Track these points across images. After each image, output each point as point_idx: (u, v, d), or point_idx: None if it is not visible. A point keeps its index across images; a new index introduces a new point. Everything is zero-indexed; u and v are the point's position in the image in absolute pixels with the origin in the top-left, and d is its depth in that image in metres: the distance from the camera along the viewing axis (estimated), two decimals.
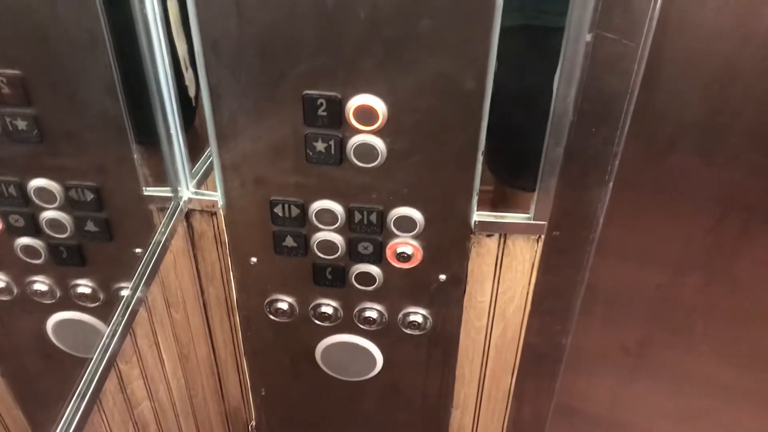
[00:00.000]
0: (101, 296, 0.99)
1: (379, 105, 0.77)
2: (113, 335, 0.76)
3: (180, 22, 0.82)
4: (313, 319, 1.01)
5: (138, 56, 0.80)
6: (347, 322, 1.01)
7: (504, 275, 0.94)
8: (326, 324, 1.01)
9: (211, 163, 0.93)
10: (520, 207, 0.89)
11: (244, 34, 0.74)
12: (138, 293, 0.81)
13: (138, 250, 0.93)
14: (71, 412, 0.67)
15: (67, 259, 0.94)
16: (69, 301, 0.99)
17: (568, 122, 0.78)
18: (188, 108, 0.89)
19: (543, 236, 0.89)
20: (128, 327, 0.82)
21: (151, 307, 0.93)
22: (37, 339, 1.05)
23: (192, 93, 0.88)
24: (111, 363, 0.75)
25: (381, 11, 0.70)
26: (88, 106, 0.80)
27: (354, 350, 1.05)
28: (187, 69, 0.85)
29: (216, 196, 0.90)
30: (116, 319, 0.78)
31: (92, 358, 0.73)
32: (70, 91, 0.79)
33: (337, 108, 0.78)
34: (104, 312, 0.99)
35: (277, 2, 0.71)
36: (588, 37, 0.72)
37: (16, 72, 0.76)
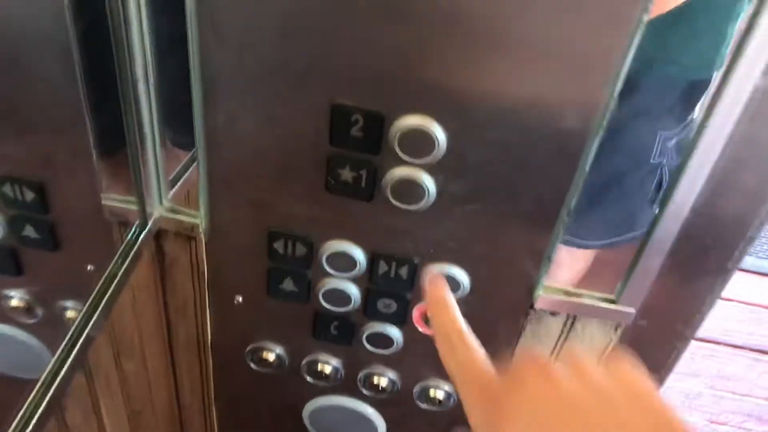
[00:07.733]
0: (40, 312, 0.79)
1: (436, 131, 0.54)
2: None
3: None
4: (305, 375, 0.79)
5: (103, 17, 0.56)
6: (348, 385, 0.79)
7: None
8: (321, 383, 0.79)
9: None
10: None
11: (259, 10, 0.51)
12: (65, 370, 0.56)
13: (90, 267, 0.71)
14: None
15: None
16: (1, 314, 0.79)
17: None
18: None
19: (623, 325, 0.67)
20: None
21: (93, 371, 0.69)
22: None
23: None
24: None
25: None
26: (36, 78, 0.58)
27: (352, 417, 0.83)
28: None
29: (198, 216, 0.67)
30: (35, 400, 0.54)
31: None
32: (10, 55, 0.57)
33: (377, 128, 0.55)
34: (43, 330, 0.80)
35: None
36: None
37: None
